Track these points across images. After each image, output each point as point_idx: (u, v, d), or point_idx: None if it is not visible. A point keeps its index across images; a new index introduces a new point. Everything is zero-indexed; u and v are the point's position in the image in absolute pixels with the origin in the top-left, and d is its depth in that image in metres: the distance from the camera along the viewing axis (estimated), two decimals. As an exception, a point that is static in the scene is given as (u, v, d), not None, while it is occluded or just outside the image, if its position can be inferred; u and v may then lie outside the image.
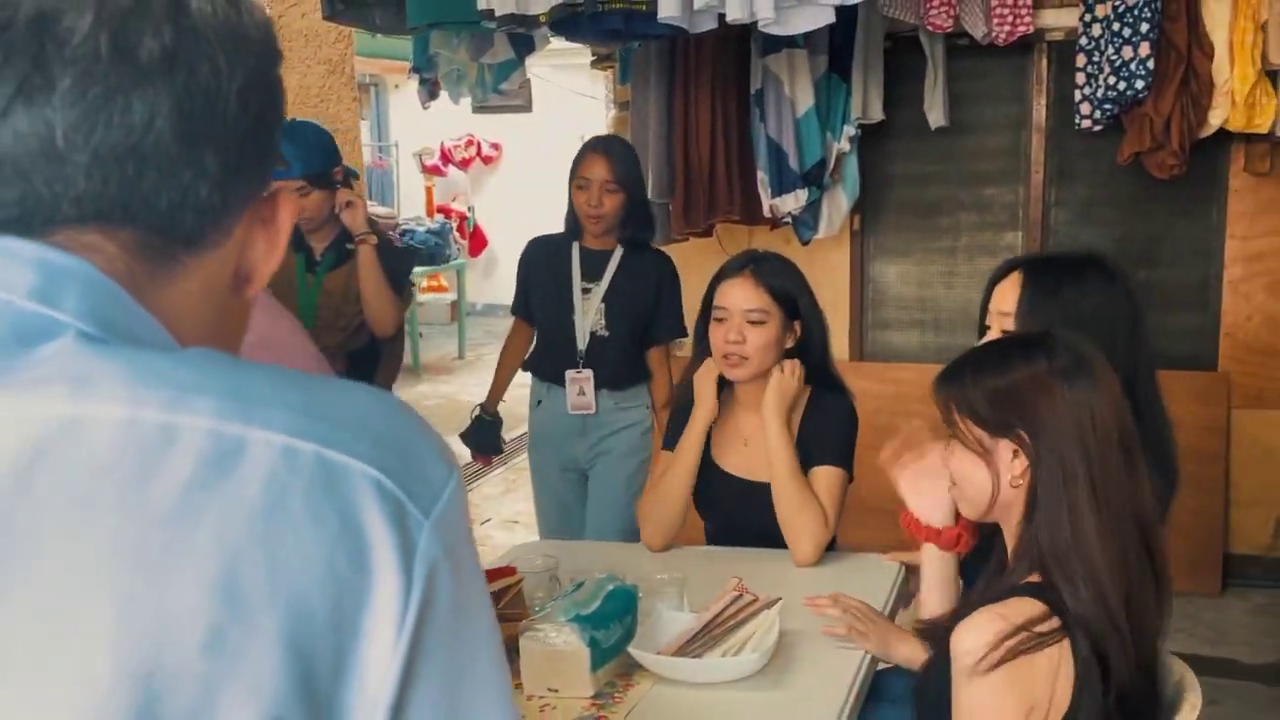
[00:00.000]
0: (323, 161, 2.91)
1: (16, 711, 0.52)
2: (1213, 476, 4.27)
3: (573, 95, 9.88)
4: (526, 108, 4.70)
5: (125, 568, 0.53)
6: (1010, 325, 1.83)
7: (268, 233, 0.71)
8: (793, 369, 2.31)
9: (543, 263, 3.21)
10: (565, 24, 2.75)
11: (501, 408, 3.46)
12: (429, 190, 11.25)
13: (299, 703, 0.54)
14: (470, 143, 11.33)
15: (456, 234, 10.54)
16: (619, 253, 3.15)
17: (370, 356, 3.15)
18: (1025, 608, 1.41)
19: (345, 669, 0.56)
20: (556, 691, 1.66)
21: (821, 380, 2.39)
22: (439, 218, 10.77)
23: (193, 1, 0.62)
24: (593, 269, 3.15)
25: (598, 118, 11.24)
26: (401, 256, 3.29)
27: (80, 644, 0.53)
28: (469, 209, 11.33)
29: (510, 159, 11.29)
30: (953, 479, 1.58)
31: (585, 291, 3.14)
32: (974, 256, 4.52)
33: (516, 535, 4.89)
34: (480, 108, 4.67)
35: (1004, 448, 1.49)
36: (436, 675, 0.59)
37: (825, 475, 2.29)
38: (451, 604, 0.59)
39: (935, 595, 1.81)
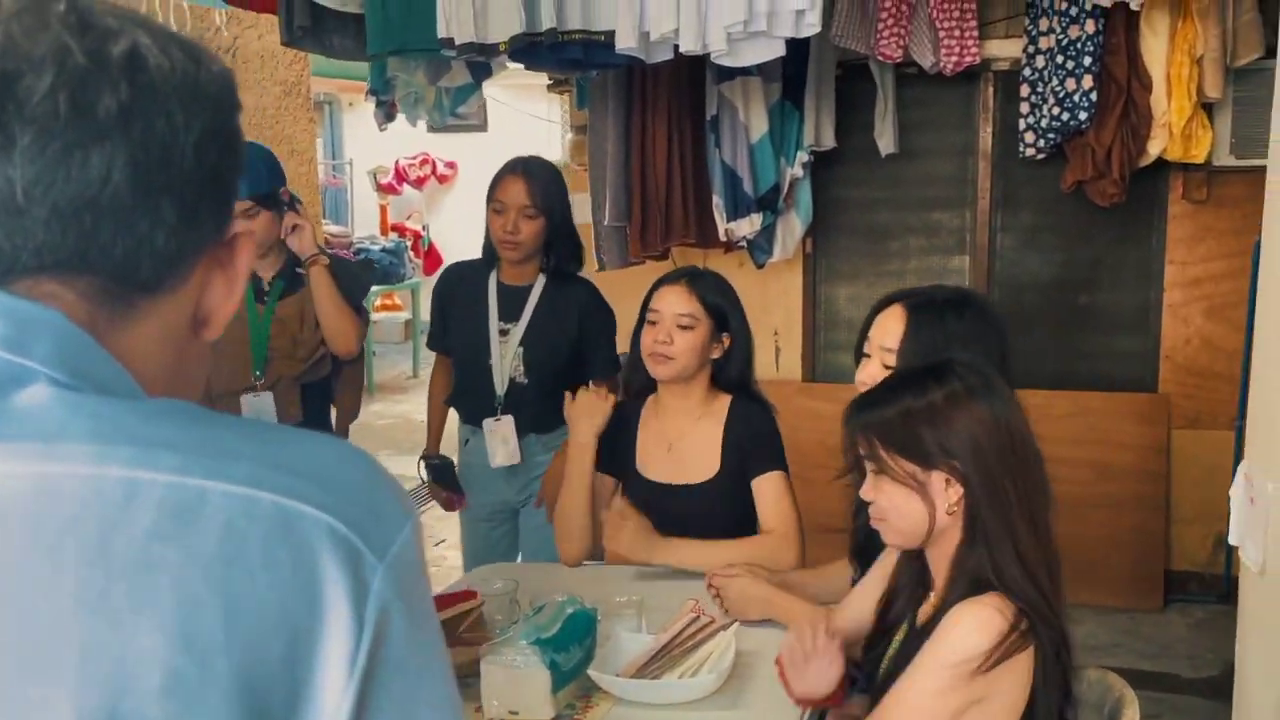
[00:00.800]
0: (269, 181, 2.76)
1: None
2: (1154, 495, 4.38)
3: (525, 116, 9.91)
4: (482, 127, 4.73)
5: (89, 616, 0.57)
6: (892, 360, 1.88)
7: (226, 275, 0.73)
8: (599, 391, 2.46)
9: (458, 294, 3.01)
10: (525, 53, 2.78)
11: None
12: (383, 209, 11.23)
13: None
14: (425, 161, 11.33)
15: (411, 253, 10.53)
16: (539, 286, 2.93)
17: (326, 385, 2.99)
18: (1008, 609, 1.47)
19: (299, 707, 0.59)
20: (517, 714, 1.69)
21: (742, 394, 2.46)
22: (393, 236, 10.76)
23: (150, 58, 0.65)
24: (511, 307, 2.93)
25: (553, 139, 11.31)
26: (357, 273, 3.14)
27: (44, 688, 0.56)
28: (424, 227, 11.32)
29: (465, 178, 11.30)
30: (881, 514, 1.59)
31: (503, 334, 2.92)
32: (923, 280, 4.60)
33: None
34: (436, 126, 4.69)
35: (937, 478, 1.53)
36: (390, 709, 0.62)
37: (770, 482, 2.36)
38: (405, 642, 0.63)
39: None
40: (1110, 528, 4.37)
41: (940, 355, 1.82)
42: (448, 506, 3.21)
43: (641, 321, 2.43)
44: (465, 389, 3.01)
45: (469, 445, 3.05)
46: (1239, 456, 4.23)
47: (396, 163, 11.24)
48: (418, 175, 11.41)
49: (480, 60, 2.89)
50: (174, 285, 0.69)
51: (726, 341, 2.42)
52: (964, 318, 1.90)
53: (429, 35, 2.72)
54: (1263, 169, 3.89)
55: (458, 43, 2.68)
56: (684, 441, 2.42)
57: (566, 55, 2.78)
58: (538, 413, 2.93)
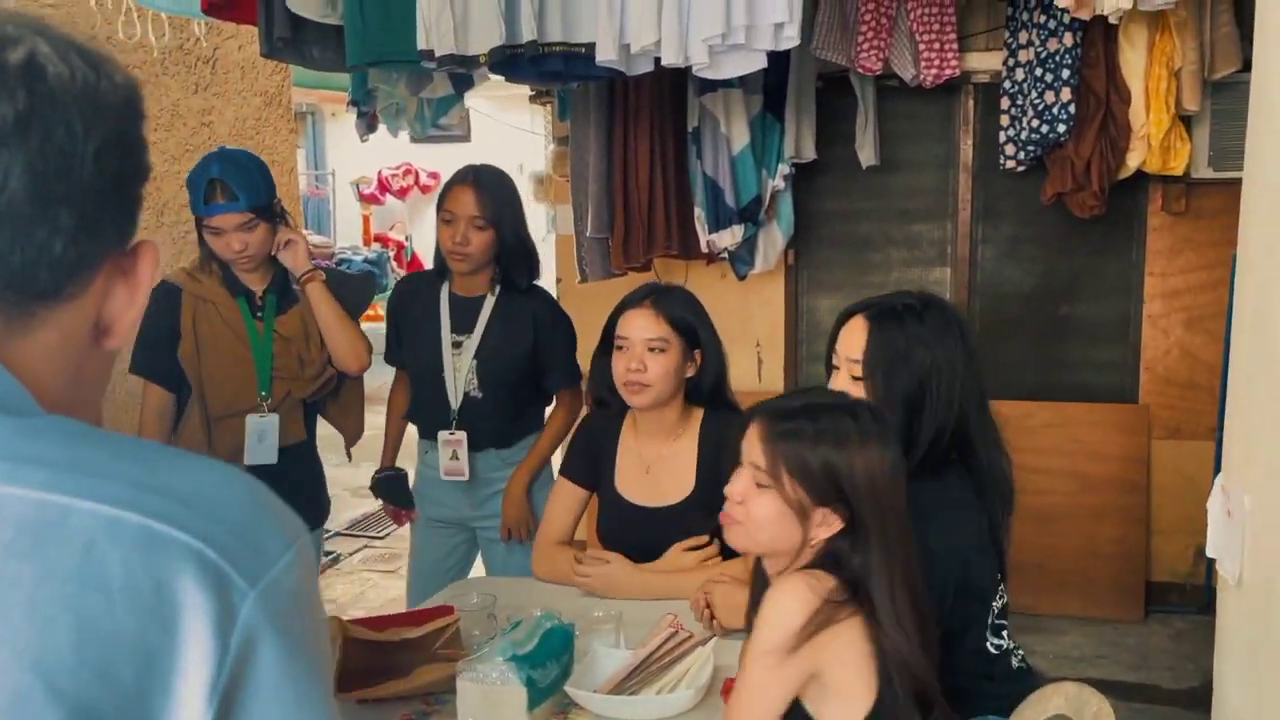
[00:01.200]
0: (267, 193, 2.68)
1: None
2: (1135, 506, 4.40)
3: (508, 126, 9.90)
4: (465, 137, 4.71)
5: None
6: (858, 370, 1.88)
7: (128, 284, 0.73)
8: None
9: (411, 305, 2.95)
10: (505, 65, 2.77)
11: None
12: (366, 219, 11.23)
13: None
14: (408, 171, 11.33)
15: (394, 263, 10.51)
16: (492, 298, 2.87)
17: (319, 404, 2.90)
18: (823, 581, 1.51)
19: None
20: (493, 731, 1.68)
21: (717, 405, 2.43)
22: (376, 246, 10.74)
23: (49, 67, 0.65)
24: (464, 319, 2.87)
25: (536, 149, 11.32)
26: (357, 285, 3.02)
27: None
28: (406, 238, 11.31)
29: (448, 188, 11.29)
30: (743, 517, 1.59)
31: (456, 346, 2.86)
32: (905, 291, 4.62)
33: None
34: (417, 137, 4.68)
35: (821, 512, 1.55)
36: None
37: None
38: (278, 671, 0.62)
39: None
40: (1091, 539, 4.39)
41: (904, 359, 1.84)
42: (396, 520, 3.17)
43: (606, 347, 2.40)
44: (421, 403, 2.94)
45: (426, 458, 2.99)
46: (1219, 468, 4.28)
47: (379, 173, 11.25)
48: (400, 185, 11.41)
49: (460, 72, 2.87)
50: (74, 294, 0.69)
51: (698, 358, 2.39)
52: (924, 321, 1.89)
53: (409, 47, 2.71)
54: (1241, 181, 3.95)
55: (438, 54, 2.66)
56: (660, 463, 2.40)
57: (547, 68, 2.77)
58: (495, 427, 2.88)
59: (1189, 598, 4.45)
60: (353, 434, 3.00)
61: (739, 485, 1.60)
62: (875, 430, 1.58)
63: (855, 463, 1.54)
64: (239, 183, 2.61)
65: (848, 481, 1.53)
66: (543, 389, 2.97)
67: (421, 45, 2.68)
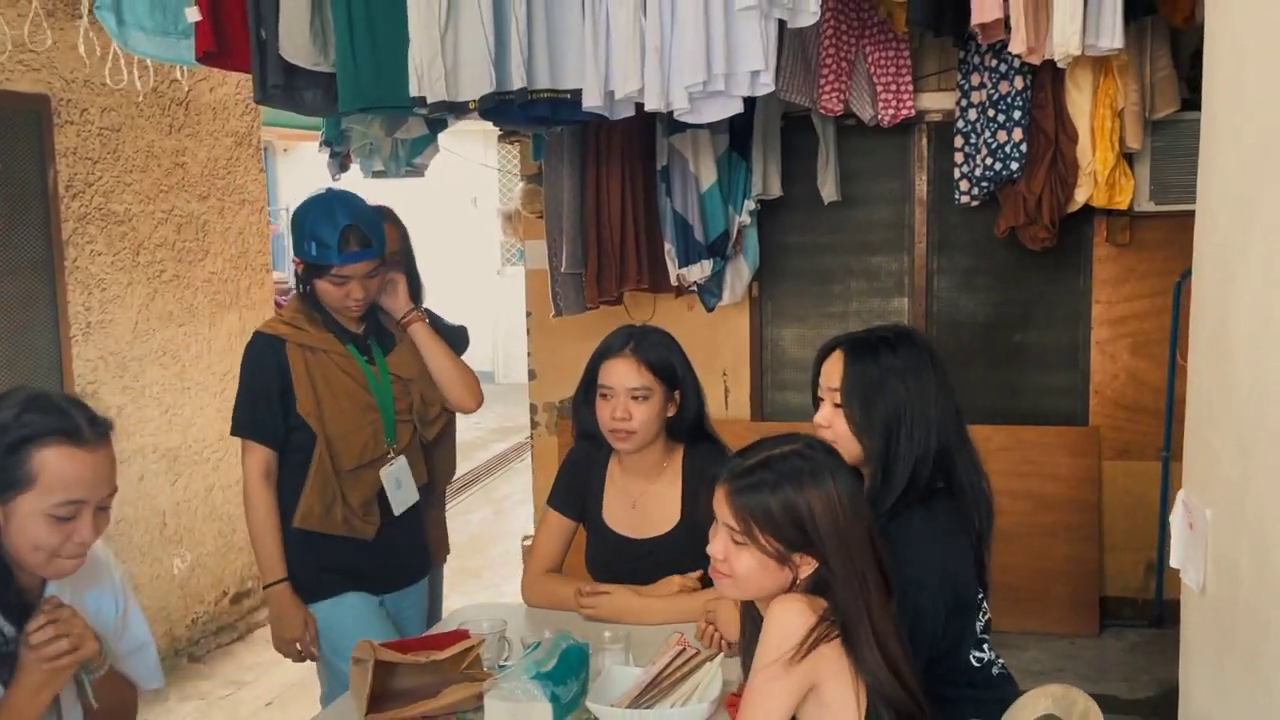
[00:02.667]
0: (385, 242, 2.63)
1: None
2: (1087, 524, 4.59)
3: (464, 161, 10.00)
4: (419, 172, 4.76)
5: None
6: (838, 399, 2.02)
7: None
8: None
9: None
10: (494, 110, 2.89)
11: None
12: (318, 254, 11.20)
13: None
14: (361, 206, 11.34)
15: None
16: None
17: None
18: (814, 604, 1.62)
19: None
20: (521, 746, 1.77)
21: (697, 438, 2.53)
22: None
23: None
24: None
25: (489, 183, 11.41)
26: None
27: None
28: (359, 273, 11.30)
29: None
30: (730, 572, 1.70)
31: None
32: (865, 321, 4.79)
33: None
34: (375, 173, 4.73)
35: (798, 557, 1.66)
36: None
37: None
38: None
39: None
40: (1047, 557, 4.56)
41: (878, 387, 1.97)
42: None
43: (587, 391, 2.48)
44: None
45: None
46: (1166, 486, 4.49)
47: (332, 208, 11.24)
48: (354, 220, 11.40)
49: (449, 117, 2.98)
50: None
51: (678, 398, 2.48)
52: (897, 352, 2.03)
53: (400, 93, 2.81)
54: (1180, 213, 4.18)
55: (430, 101, 2.76)
56: (646, 498, 2.50)
57: (535, 113, 2.89)
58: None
59: (1141, 611, 4.64)
60: (448, 475, 3.08)
61: (718, 546, 1.70)
62: (825, 463, 1.69)
63: (813, 499, 1.64)
64: (372, 229, 2.56)
65: (809, 521, 1.64)
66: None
67: (413, 92, 2.78)
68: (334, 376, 2.59)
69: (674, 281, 4.17)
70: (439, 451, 2.92)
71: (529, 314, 4.95)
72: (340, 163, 4.69)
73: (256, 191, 5.05)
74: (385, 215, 2.89)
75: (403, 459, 2.67)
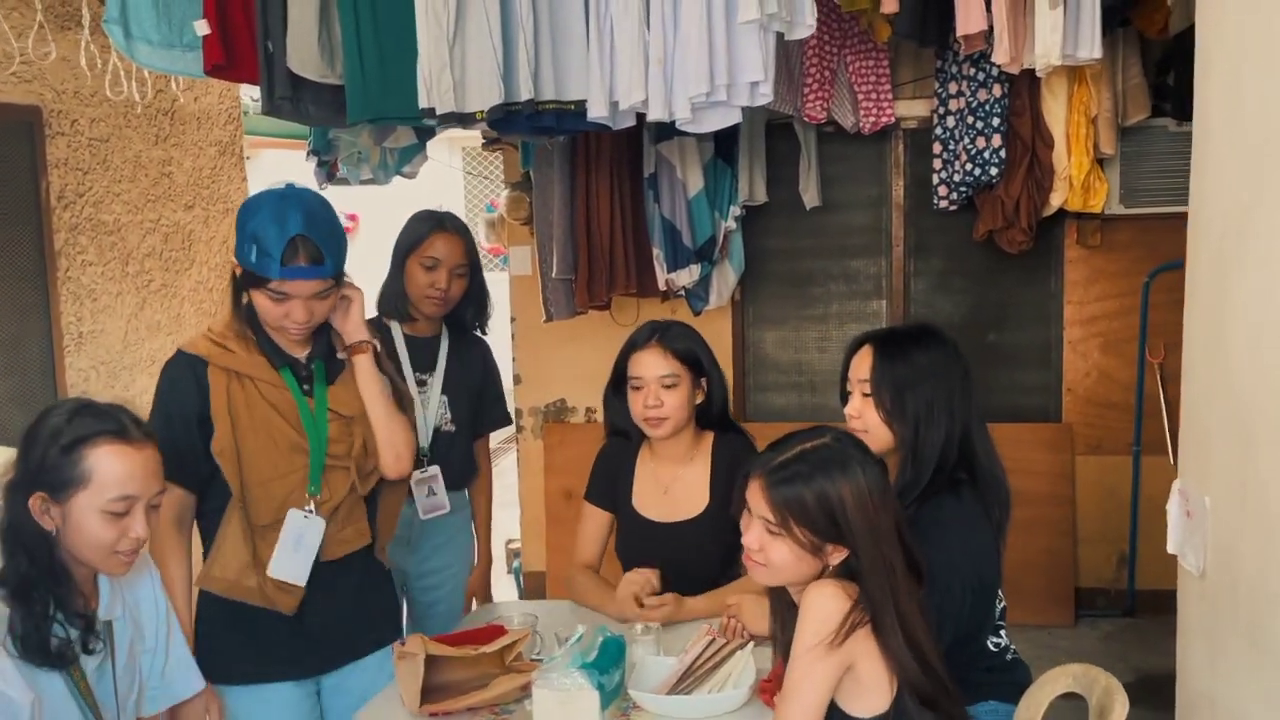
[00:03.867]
0: (345, 253, 2.20)
1: None
2: (1062, 518, 4.73)
3: (429, 164, 10.02)
4: (369, 180, 4.75)
5: None
6: (867, 389, 2.13)
7: None
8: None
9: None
10: (501, 121, 2.95)
11: None
12: (283, 261, 11.15)
13: None
14: (325, 213, 11.31)
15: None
16: (446, 338, 2.92)
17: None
18: (849, 588, 1.70)
19: None
20: (568, 733, 1.84)
21: (723, 426, 2.65)
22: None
23: None
24: (423, 358, 2.87)
25: (455, 187, 11.44)
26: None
27: None
28: (324, 279, 11.27)
29: (367, 230, 11.32)
30: (765, 561, 1.77)
31: (421, 384, 2.83)
32: (844, 323, 4.91)
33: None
34: (340, 179, 4.75)
35: (830, 547, 1.75)
36: None
37: None
38: None
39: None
40: (1024, 550, 4.69)
41: (907, 377, 2.08)
42: None
43: (618, 385, 2.59)
44: None
45: None
46: (1137, 479, 4.64)
47: (296, 215, 11.20)
48: (318, 227, 11.37)
49: (455, 127, 3.03)
50: None
51: (705, 385, 2.59)
52: (925, 346, 2.14)
53: (409, 105, 2.86)
54: (1148, 216, 4.33)
55: (439, 112, 2.82)
56: (677, 483, 2.59)
57: (540, 123, 2.96)
58: (460, 463, 2.91)
59: (1114, 601, 4.79)
60: (389, 535, 2.40)
61: (754, 537, 1.77)
62: (856, 456, 1.78)
63: (845, 491, 1.72)
64: (327, 244, 2.11)
65: (840, 512, 1.72)
66: (476, 430, 3.00)
67: (422, 104, 2.83)
68: (258, 410, 2.13)
69: (662, 286, 4.25)
70: (387, 506, 2.37)
71: (514, 319, 5.01)
72: (328, 171, 4.73)
73: (239, 200, 5.06)
74: (448, 223, 2.85)
75: (320, 519, 2.16)
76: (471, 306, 2.92)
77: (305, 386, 2.19)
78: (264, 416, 2.13)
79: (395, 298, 2.84)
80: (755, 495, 1.77)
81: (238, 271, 2.15)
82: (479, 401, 2.96)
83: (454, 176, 11.06)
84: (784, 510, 1.73)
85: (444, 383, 2.87)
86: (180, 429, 2.09)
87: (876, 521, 1.73)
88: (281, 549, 2.12)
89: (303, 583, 2.14)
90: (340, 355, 2.26)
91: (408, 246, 2.83)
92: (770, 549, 1.75)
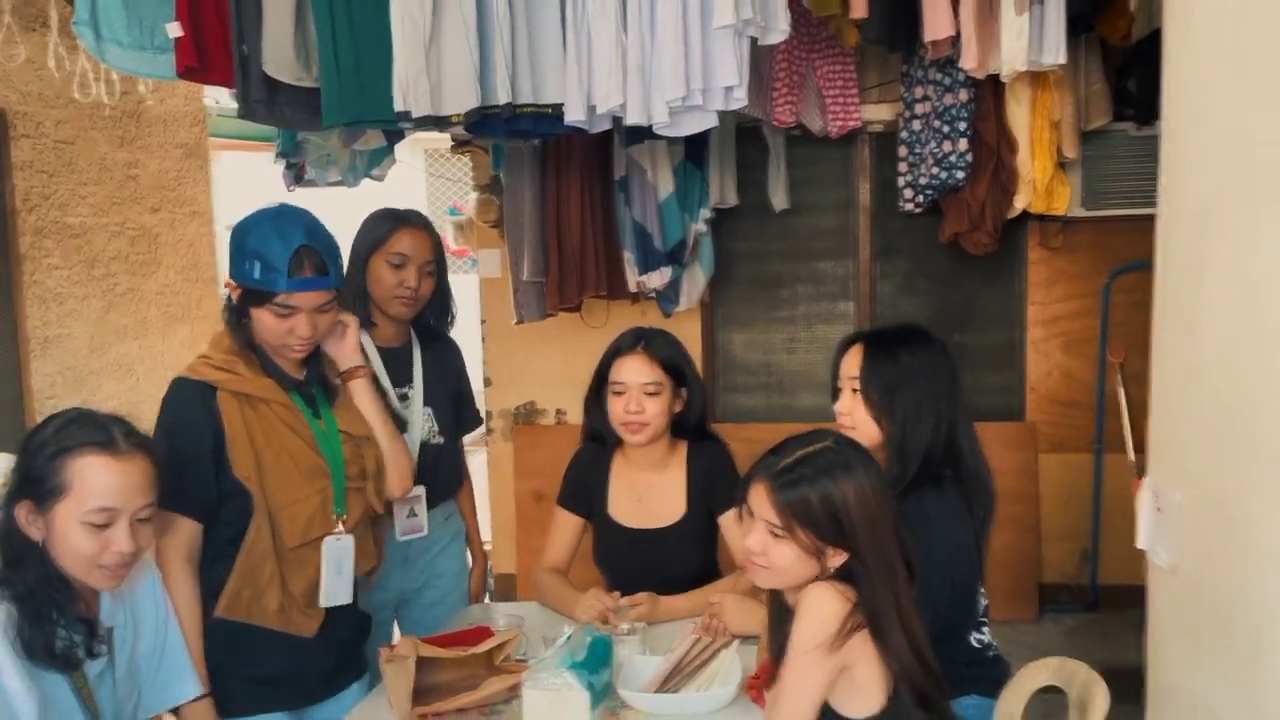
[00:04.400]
0: (343, 265, 2.25)
1: None
2: (1026, 515, 4.81)
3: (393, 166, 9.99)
4: (338, 182, 4.72)
5: None
6: (857, 386, 2.18)
7: None
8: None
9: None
10: (478, 124, 2.96)
11: None
12: (242, 264, 11.06)
13: None
14: (284, 216, 11.22)
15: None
16: (416, 345, 2.78)
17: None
18: (847, 591, 1.73)
19: None
20: (559, 732, 1.86)
21: (698, 435, 2.66)
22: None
23: None
24: (399, 370, 2.72)
25: (418, 190, 11.38)
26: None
27: None
28: (284, 282, 11.19)
29: (326, 231, 11.23)
30: (767, 564, 1.79)
31: (403, 398, 2.69)
32: (812, 324, 4.97)
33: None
34: (308, 181, 4.72)
35: (831, 550, 1.77)
36: None
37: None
38: None
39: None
40: (990, 546, 4.76)
41: (896, 375, 2.12)
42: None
43: (599, 389, 2.60)
44: None
45: None
46: (1099, 477, 4.73)
47: (255, 217, 11.11)
48: (277, 230, 11.28)
49: (432, 131, 3.03)
50: None
51: (685, 395, 2.62)
52: (913, 345, 2.19)
53: (385, 108, 2.85)
54: (1108, 219, 4.41)
55: (415, 115, 2.82)
56: (652, 491, 2.61)
57: (518, 127, 2.97)
58: (448, 475, 2.83)
59: (1076, 596, 4.88)
60: (382, 559, 2.43)
61: (757, 540, 1.79)
62: (856, 458, 1.81)
63: (848, 494, 1.75)
64: (329, 255, 2.14)
65: (843, 511, 1.74)
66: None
67: (399, 107, 2.83)
68: (277, 433, 2.14)
69: (633, 288, 4.27)
70: (379, 529, 2.42)
71: (483, 321, 5.01)
72: (296, 174, 4.71)
73: (204, 203, 5.03)
74: (414, 220, 2.75)
75: (350, 537, 2.21)
76: (435, 307, 2.81)
77: (313, 410, 2.21)
78: (283, 440, 2.14)
79: (355, 302, 2.63)
80: (759, 498, 1.79)
81: (234, 293, 2.15)
82: (456, 405, 2.89)
83: (416, 179, 11.02)
84: (789, 513, 1.75)
85: (425, 394, 2.77)
86: (190, 459, 2.06)
87: (878, 523, 1.76)
88: (326, 576, 2.16)
89: (350, 600, 2.21)
90: (335, 380, 2.29)
91: (370, 245, 2.69)
92: (773, 552, 1.77)
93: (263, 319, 2.11)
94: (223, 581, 2.10)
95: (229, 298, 2.19)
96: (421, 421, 2.73)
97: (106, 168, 4.33)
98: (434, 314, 2.82)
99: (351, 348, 2.31)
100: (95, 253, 4.30)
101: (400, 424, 2.37)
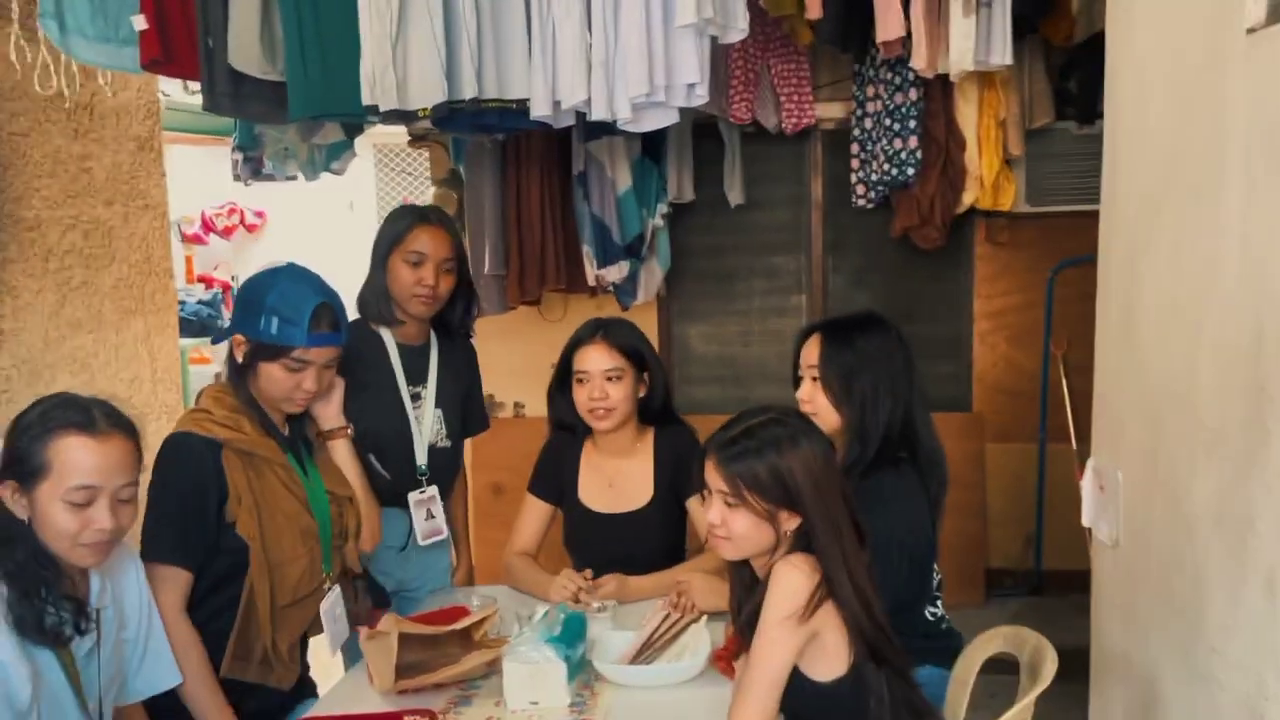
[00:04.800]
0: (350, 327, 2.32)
1: None
2: (973, 502, 4.95)
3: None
4: (295, 176, 4.75)
5: None
6: (816, 374, 2.27)
7: None
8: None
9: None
10: (445, 119, 3.01)
11: None
12: (189, 260, 10.92)
13: None
14: (233, 210, 11.09)
15: (223, 305, 10.31)
16: (435, 344, 2.80)
17: None
18: (814, 563, 1.81)
19: None
20: (537, 704, 1.93)
21: (665, 419, 2.74)
22: (200, 287, 10.49)
23: None
24: (416, 370, 2.75)
25: (367, 184, 11.33)
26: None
27: None
28: (232, 279, 11.09)
29: (275, 227, 11.16)
30: (728, 534, 1.88)
31: (415, 399, 2.73)
32: (766, 317, 5.07)
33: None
34: (266, 175, 4.74)
35: (784, 513, 1.86)
36: None
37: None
38: None
39: None
40: (943, 528, 4.90)
41: (853, 363, 2.21)
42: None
43: (562, 381, 2.67)
44: (370, 475, 2.55)
45: None
46: (1043, 465, 4.88)
47: (203, 212, 10.98)
48: (225, 225, 11.16)
49: (397, 124, 3.08)
50: None
51: (647, 379, 2.69)
52: (870, 333, 2.28)
53: (351, 102, 2.88)
54: (1052, 214, 4.56)
55: (382, 109, 2.86)
56: (621, 476, 2.69)
57: (483, 121, 3.02)
58: (449, 479, 2.86)
59: (1021, 581, 5.03)
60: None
61: (715, 512, 1.88)
62: (800, 427, 1.90)
63: (792, 459, 1.84)
64: (342, 312, 2.24)
65: (790, 478, 1.83)
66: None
67: (366, 101, 2.87)
68: (276, 493, 2.19)
69: (592, 282, 4.34)
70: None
71: (441, 316, 5.04)
72: (253, 167, 4.72)
73: (159, 197, 5.00)
74: (432, 217, 2.74)
75: (337, 587, 2.30)
76: (460, 306, 2.82)
77: (302, 468, 2.27)
78: (280, 501, 2.19)
79: (379, 300, 2.69)
80: (711, 471, 1.87)
81: (241, 350, 2.20)
82: (465, 408, 2.89)
83: (366, 172, 10.97)
84: (738, 481, 1.83)
85: (437, 395, 2.77)
86: (194, 513, 2.10)
87: (824, 486, 1.84)
88: (327, 627, 2.25)
89: (347, 634, 2.31)
90: (314, 437, 2.36)
91: (389, 243, 2.69)
92: (731, 521, 1.85)
93: (272, 373, 2.17)
94: (208, 634, 2.12)
95: (230, 354, 2.23)
96: (432, 423, 2.77)
97: (60, 161, 4.30)
98: (459, 312, 2.84)
99: (336, 409, 2.38)
100: (50, 246, 4.28)
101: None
